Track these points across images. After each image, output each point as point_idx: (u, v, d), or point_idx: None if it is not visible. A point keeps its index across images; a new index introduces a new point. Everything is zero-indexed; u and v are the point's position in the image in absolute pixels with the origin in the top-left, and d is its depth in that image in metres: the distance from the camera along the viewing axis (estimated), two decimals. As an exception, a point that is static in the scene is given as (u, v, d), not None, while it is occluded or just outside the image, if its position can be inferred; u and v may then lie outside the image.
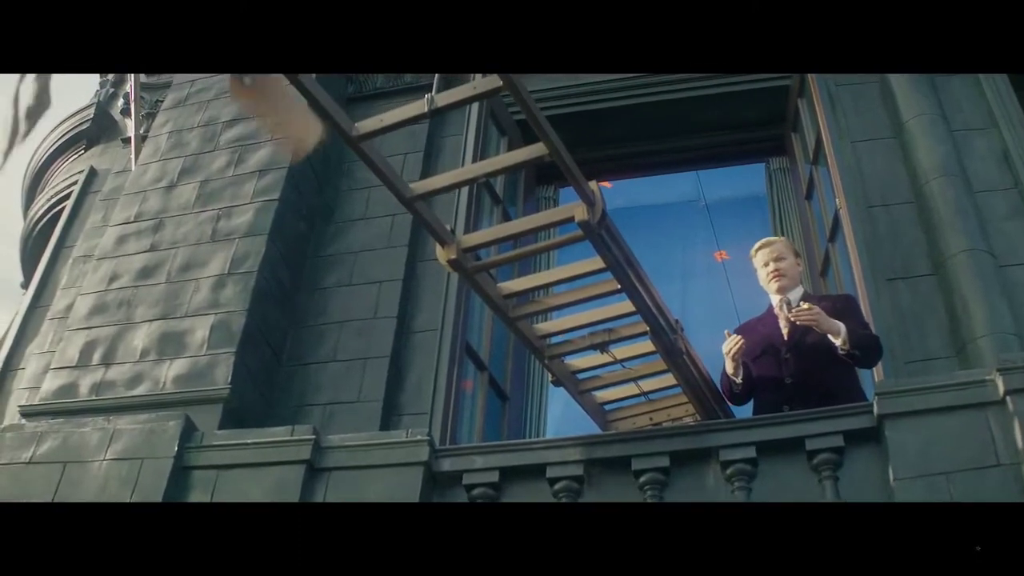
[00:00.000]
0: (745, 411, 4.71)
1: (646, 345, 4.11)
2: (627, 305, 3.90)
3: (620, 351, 4.16)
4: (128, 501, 4.29)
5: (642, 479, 4.17)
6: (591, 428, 4.67)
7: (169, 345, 5.24)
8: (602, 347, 4.04)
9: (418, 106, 3.14)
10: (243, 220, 5.74)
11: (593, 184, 3.48)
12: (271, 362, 5.44)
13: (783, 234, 6.27)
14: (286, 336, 5.63)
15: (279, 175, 5.91)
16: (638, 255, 3.94)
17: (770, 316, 4.56)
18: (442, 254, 3.57)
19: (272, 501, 4.23)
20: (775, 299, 4.55)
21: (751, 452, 4.14)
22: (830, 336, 4.22)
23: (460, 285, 5.45)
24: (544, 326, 4.09)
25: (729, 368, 4.43)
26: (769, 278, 4.57)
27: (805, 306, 4.24)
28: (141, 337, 5.31)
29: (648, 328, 3.95)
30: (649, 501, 4.11)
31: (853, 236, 5.28)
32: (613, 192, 7.40)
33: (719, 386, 4.58)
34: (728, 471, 4.13)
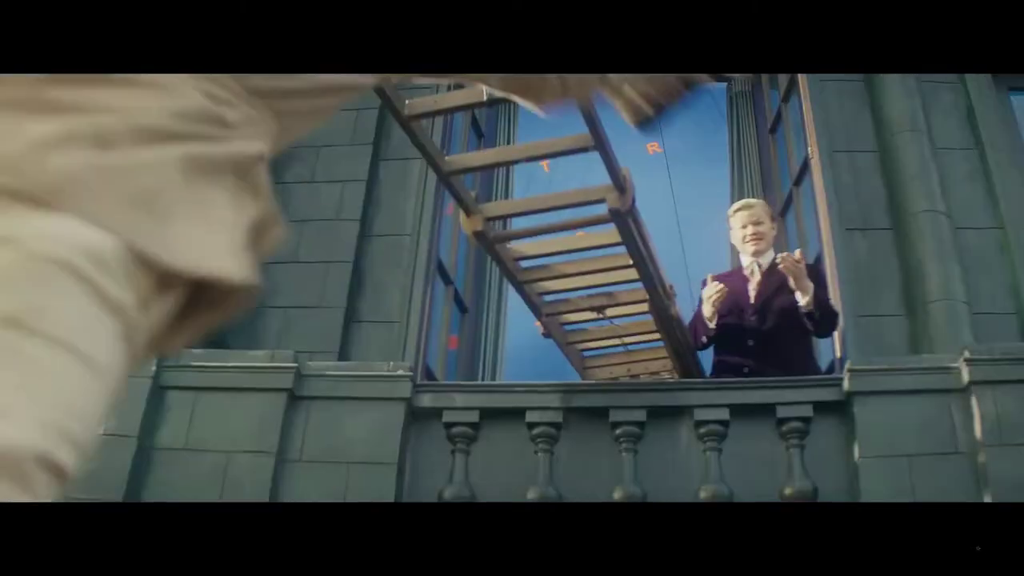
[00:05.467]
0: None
1: (639, 306, 4.18)
2: (630, 272, 3.94)
3: (613, 310, 4.23)
4: (104, 424, 4.21)
5: (618, 431, 4.31)
6: (546, 347, 4.71)
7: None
8: (600, 309, 4.10)
9: (476, 93, 3.04)
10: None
11: (625, 170, 3.47)
12: (230, 259, 5.30)
13: (740, 162, 6.34)
14: (246, 232, 5.47)
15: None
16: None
17: (739, 276, 4.67)
18: (467, 224, 3.53)
19: (253, 428, 4.23)
20: (747, 260, 4.66)
21: (724, 414, 4.31)
22: (798, 293, 4.37)
23: (436, 193, 5.39)
24: (545, 284, 4.11)
25: (707, 311, 4.51)
26: (746, 240, 4.66)
27: (796, 255, 4.36)
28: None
29: (647, 295, 4.02)
30: (623, 452, 4.27)
31: (823, 186, 5.37)
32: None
33: (690, 330, 4.68)
34: (701, 430, 4.31)
